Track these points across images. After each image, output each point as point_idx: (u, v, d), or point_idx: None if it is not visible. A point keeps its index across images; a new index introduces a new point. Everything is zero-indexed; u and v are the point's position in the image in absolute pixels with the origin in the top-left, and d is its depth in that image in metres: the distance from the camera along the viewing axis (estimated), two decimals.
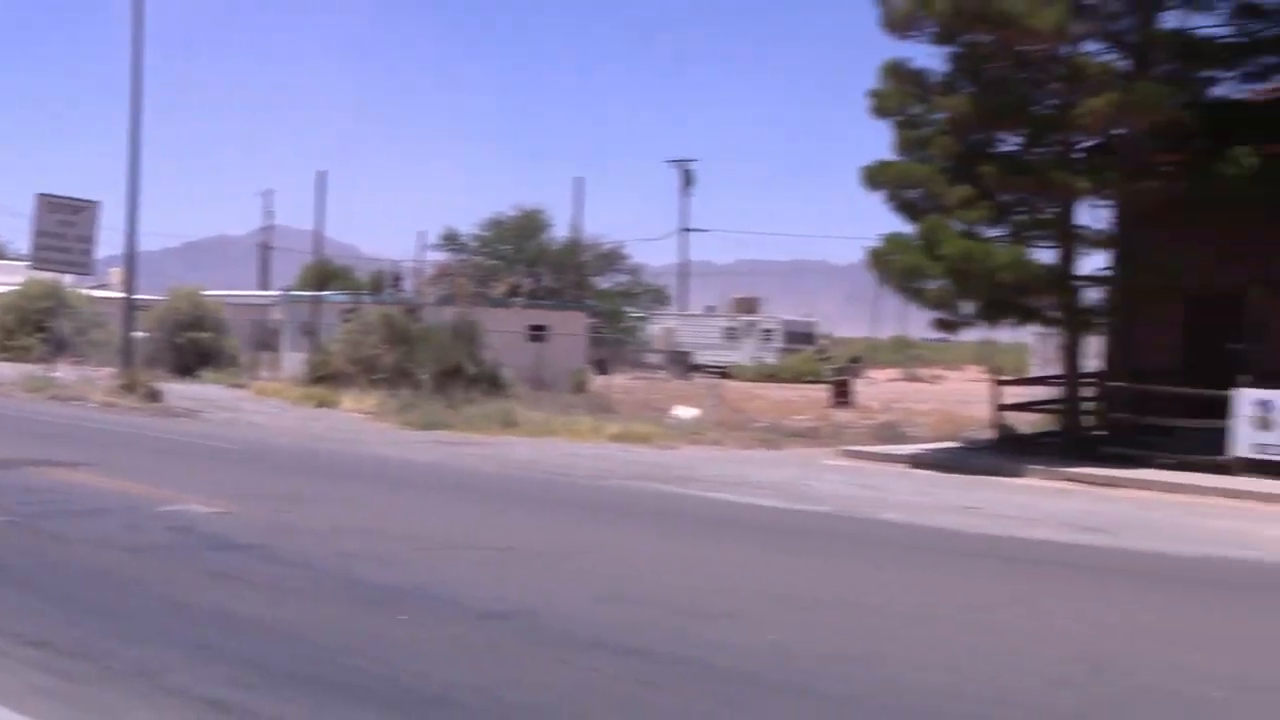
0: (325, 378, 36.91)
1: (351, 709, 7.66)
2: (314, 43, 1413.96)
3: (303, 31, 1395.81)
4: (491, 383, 34.79)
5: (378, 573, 11.82)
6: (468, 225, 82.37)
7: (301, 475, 20.47)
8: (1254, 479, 20.97)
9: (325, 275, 53.87)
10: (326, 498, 17.52)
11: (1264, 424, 21.56)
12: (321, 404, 34.04)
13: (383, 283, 50.36)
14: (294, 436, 26.92)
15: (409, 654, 8.95)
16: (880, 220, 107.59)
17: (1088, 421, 25.25)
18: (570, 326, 45.48)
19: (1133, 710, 8.40)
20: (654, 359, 66.61)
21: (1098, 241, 24.69)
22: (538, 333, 42.80)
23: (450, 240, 76.86)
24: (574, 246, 74.18)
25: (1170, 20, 23.77)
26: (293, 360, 42.95)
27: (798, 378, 57.12)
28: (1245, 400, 21.80)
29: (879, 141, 24.89)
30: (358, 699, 7.82)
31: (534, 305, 48.95)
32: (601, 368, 51.54)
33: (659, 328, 73.46)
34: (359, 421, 30.68)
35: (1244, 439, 21.72)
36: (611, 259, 79.92)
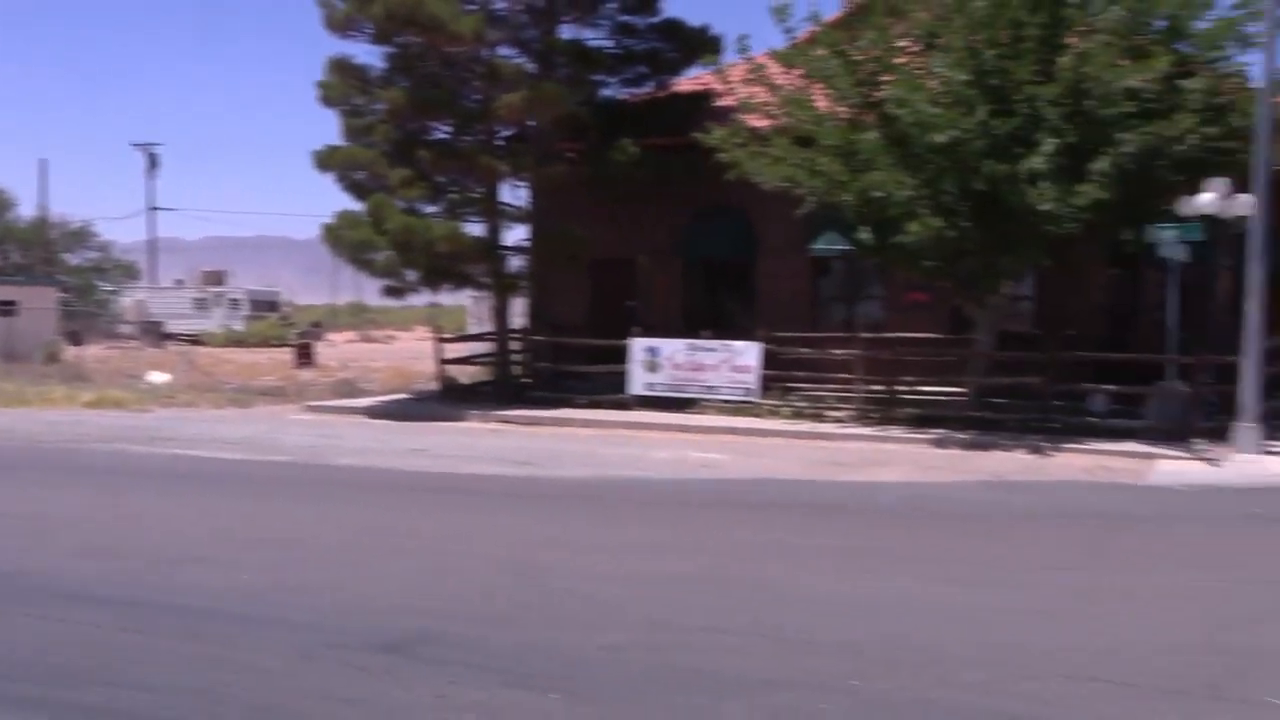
0: None
1: None
2: None
3: None
4: None
5: None
6: None
7: None
8: (646, 412, 22.68)
9: None
10: None
11: (652, 367, 23.27)
12: None
13: None
14: None
15: None
16: (334, 199, 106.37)
17: (517, 371, 26.35)
18: (40, 301, 42.75)
19: (551, 608, 9.05)
20: (127, 329, 63.70)
21: (519, 216, 25.72)
22: (7, 307, 40.07)
23: None
24: (41, 225, 69.91)
25: (567, 32, 25.20)
26: None
27: (264, 342, 56.05)
28: (638, 348, 23.48)
29: (330, 127, 25.02)
30: None
31: (2, 282, 45.88)
32: (75, 339, 48.80)
33: (131, 300, 70.24)
34: None
35: (638, 380, 23.40)
36: (81, 237, 75.53)
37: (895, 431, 20.52)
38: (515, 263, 25.65)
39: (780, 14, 20.11)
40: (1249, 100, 18.37)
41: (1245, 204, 18.55)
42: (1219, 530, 13.29)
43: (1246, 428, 18.13)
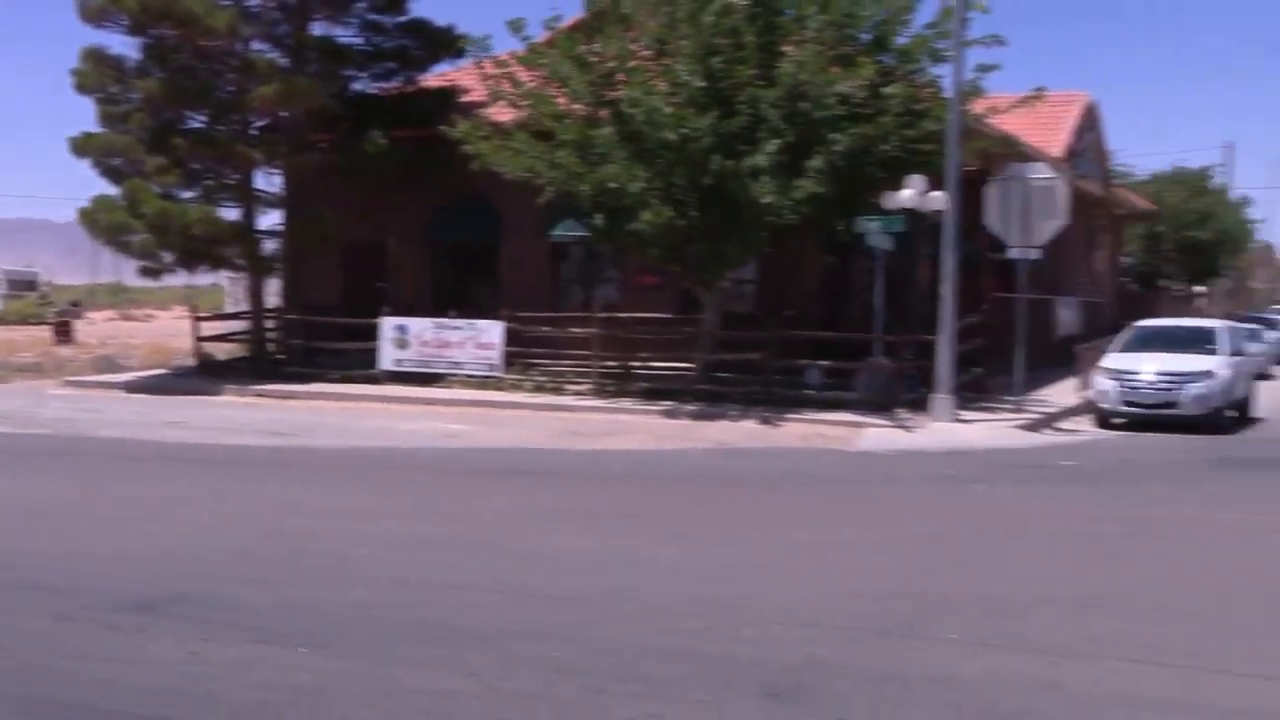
0: None
1: None
2: None
3: None
4: None
5: None
6: None
7: None
8: (396, 386, 22.37)
9: None
10: None
11: (401, 344, 23.00)
12: None
13: None
14: None
15: None
16: (93, 183, 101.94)
17: (272, 348, 25.72)
18: None
19: (303, 569, 8.94)
20: None
21: (273, 202, 25.16)
22: None
23: None
24: None
25: (319, 29, 24.67)
26: None
27: (23, 321, 53.36)
28: (388, 326, 23.16)
29: (88, 113, 24.03)
30: None
31: None
32: None
33: None
34: None
35: (388, 356, 23.08)
36: None
37: (630, 404, 20.73)
38: (270, 246, 25.10)
39: (515, 26, 20.29)
40: (942, 108, 19.19)
41: (939, 200, 19.35)
42: (916, 490, 13.87)
43: (942, 398, 18.91)
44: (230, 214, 24.46)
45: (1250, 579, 9.19)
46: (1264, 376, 26.89)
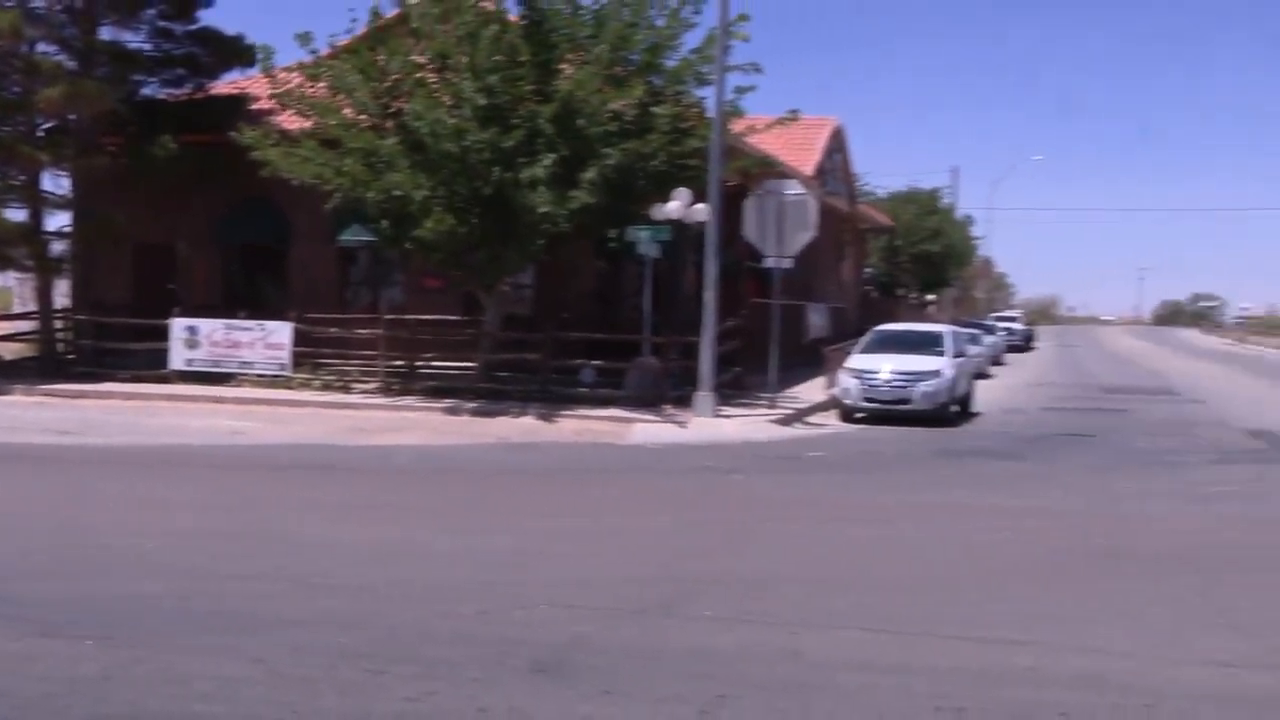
0: None
1: None
2: None
3: None
4: None
5: None
6: None
7: None
8: (186, 386, 21.57)
9: None
10: None
11: (192, 344, 22.25)
12: None
13: None
14: None
15: None
16: None
17: (61, 348, 24.62)
18: None
19: (90, 562, 8.61)
20: None
21: (61, 203, 23.97)
22: None
23: None
24: None
25: (108, 33, 23.66)
26: None
27: None
28: (178, 327, 22.37)
29: None
30: None
31: None
32: None
33: None
34: None
35: (178, 356, 22.28)
36: None
37: (414, 401, 20.59)
38: (59, 247, 23.93)
39: (303, 40, 19.96)
40: (705, 127, 19.65)
41: (703, 212, 19.80)
42: (680, 480, 14.16)
43: (704, 396, 19.33)
44: (17, 215, 23.32)
45: (968, 555, 9.74)
46: (983, 375, 28.48)
